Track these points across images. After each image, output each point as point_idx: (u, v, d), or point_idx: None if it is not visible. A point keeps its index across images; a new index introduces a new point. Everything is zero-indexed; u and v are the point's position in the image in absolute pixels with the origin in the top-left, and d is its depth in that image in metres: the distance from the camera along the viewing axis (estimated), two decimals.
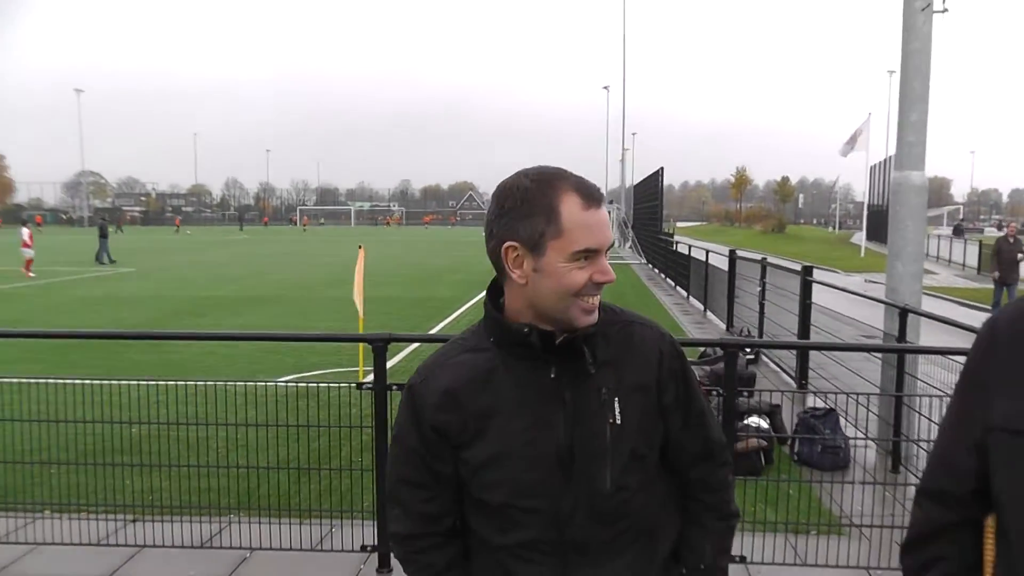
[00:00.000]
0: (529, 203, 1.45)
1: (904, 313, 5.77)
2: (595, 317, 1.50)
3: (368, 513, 4.37)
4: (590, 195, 1.46)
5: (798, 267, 9.06)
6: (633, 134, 58.60)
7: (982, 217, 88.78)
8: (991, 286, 24.02)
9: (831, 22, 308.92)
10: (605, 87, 63.99)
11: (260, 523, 4.36)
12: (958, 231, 41.05)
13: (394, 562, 3.92)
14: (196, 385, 5.02)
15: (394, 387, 3.81)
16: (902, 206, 6.10)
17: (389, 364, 3.85)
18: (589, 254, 1.45)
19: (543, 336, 1.49)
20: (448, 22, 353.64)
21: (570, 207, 1.44)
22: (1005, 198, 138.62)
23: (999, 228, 66.91)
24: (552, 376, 1.51)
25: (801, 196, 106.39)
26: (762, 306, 10.40)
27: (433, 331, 12.75)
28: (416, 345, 10.01)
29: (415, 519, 1.61)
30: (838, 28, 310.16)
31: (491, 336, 1.56)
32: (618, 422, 1.53)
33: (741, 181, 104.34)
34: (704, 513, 1.69)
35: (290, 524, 4.37)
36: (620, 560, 1.56)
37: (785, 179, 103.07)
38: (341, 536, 4.35)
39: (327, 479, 4.92)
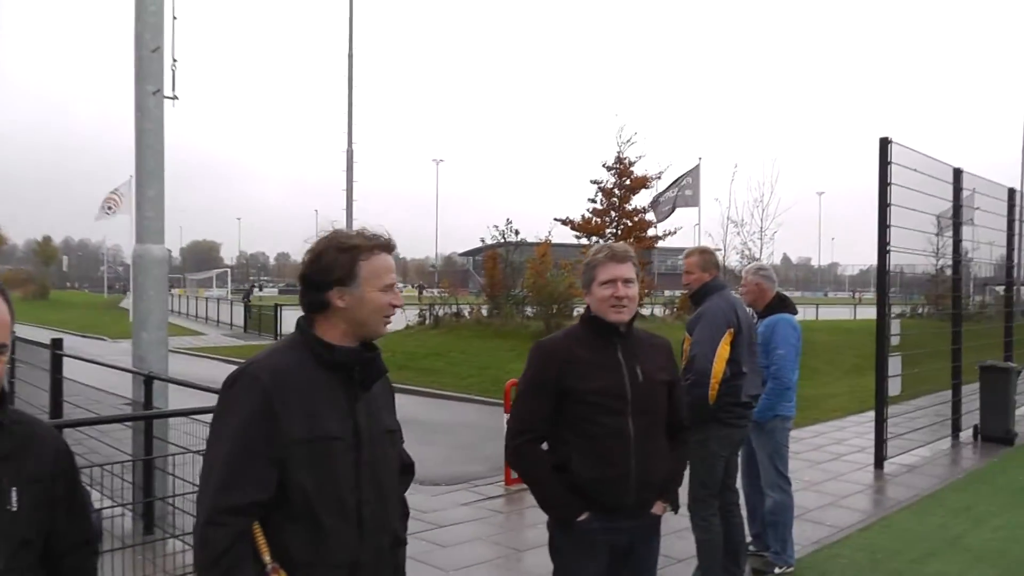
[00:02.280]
0: None
1: (150, 380, 6.12)
2: None
3: None
4: None
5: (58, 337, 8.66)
6: None
7: (252, 278, 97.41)
8: (261, 342, 26.21)
9: None
10: None
11: None
12: (246, 294, 43.87)
13: None
14: None
15: None
16: (145, 277, 6.41)
17: None
18: None
19: None
20: None
21: None
22: (272, 260, 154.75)
23: (247, 295, 73.35)
24: None
25: (66, 258, 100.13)
26: (12, 384, 9.59)
27: None
28: None
29: None
30: None
31: None
32: (13, 509, 1.71)
33: None
34: None
35: None
36: None
37: (47, 239, 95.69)
38: None
39: None
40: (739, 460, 5.58)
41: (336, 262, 2.03)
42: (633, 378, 2.76)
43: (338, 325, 2.05)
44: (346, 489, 1.99)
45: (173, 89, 6.59)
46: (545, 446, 2.87)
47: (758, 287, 5.48)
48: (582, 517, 2.74)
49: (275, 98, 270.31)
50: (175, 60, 6.39)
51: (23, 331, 10.35)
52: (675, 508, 2.93)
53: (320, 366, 2.02)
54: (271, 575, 1.92)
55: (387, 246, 2.10)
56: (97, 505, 5.81)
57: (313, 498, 1.94)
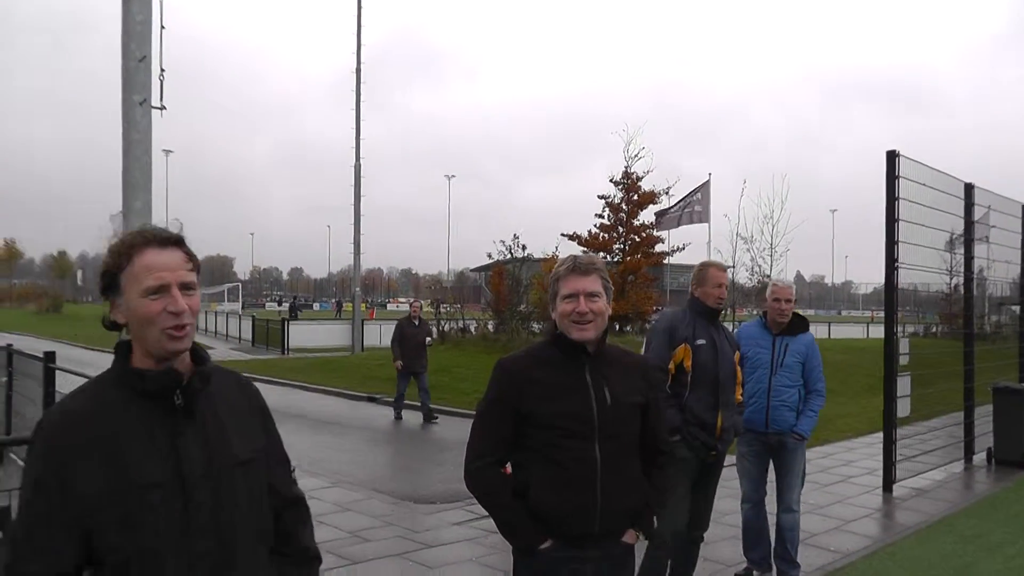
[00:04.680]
0: None
1: None
2: None
3: None
4: None
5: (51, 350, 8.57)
6: None
7: (265, 293, 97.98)
8: (268, 355, 25.97)
9: None
10: None
11: None
12: (293, 308, 43.08)
13: None
14: None
15: None
16: None
17: None
18: None
19: None
20: None
21: None
22: (285, 276, 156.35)
23: (279, 303, 72.94)
24: None
25: (80, 272, 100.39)
26: (9, 398, 9.51)
27: None
28: None
29: None
30: None
31: None
32: None
33: (12, 255, 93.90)
34: None
35: None
36: None
37: (63, 253, 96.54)
38: None
39: None
40: (748, 479, 5.33)
41: (105, 266, 1.73)
42: (601, 400, 2.56)
43: (138, 346, 1.77)
44: (169, 545, 1.67)
45: (160, 99, 6.46)
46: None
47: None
48: (545, 545, 2.56)
49: (287, 110, 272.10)
50: (163, 70, 6.26)
51: (35, 344, 10.28)
52: (648, 536, 2.74)
53: (136, 398, 1.71)
54: None
55: (162, 239, 1.74)
56: None
57: (131, 562, 1.66)
